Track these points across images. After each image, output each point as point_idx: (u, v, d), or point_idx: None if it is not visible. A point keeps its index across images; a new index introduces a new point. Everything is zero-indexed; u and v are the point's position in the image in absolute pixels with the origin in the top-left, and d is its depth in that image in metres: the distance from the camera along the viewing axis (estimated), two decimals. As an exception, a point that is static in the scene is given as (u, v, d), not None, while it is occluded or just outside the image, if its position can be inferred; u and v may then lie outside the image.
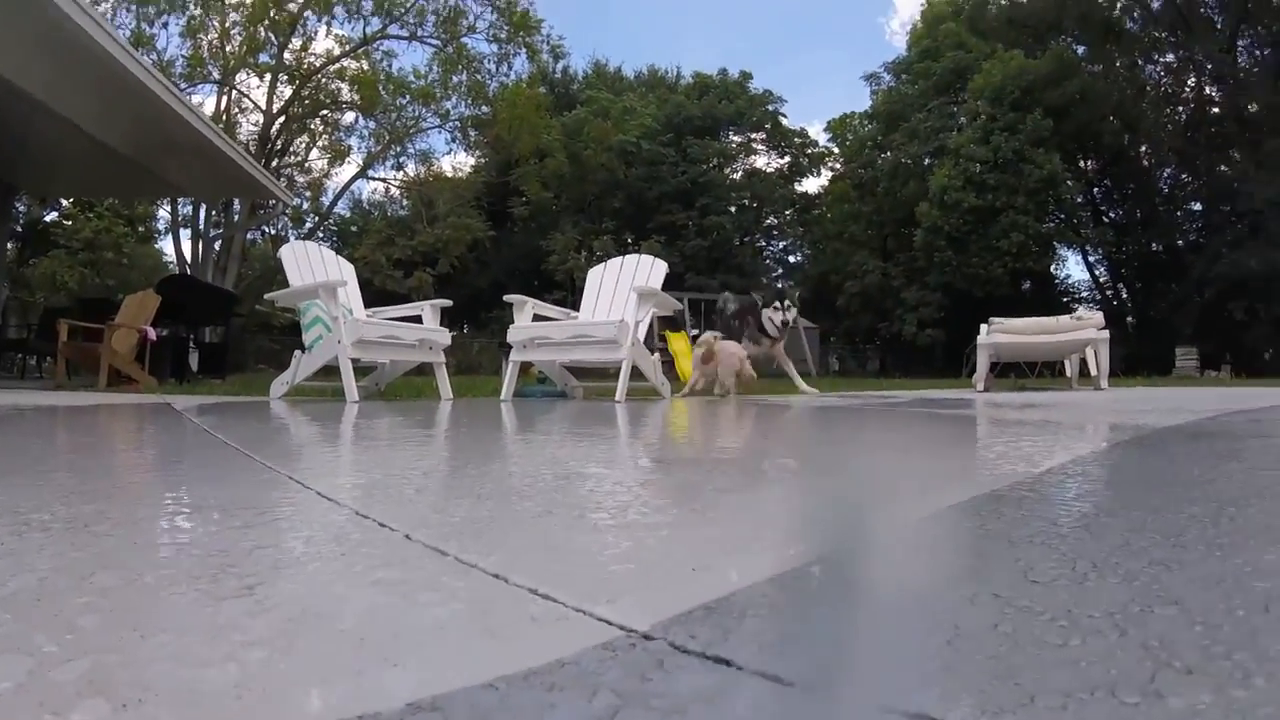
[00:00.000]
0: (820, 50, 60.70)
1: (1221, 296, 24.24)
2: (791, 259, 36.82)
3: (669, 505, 1.60)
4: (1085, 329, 9.42)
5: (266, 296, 7.40)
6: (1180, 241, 28.51)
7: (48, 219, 23.14)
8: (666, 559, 1.07)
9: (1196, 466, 2.20)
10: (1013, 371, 13.01)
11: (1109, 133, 28.85)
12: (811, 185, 36.69)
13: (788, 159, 36.29)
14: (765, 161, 36.48)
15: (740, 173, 35.86)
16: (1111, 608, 0.80)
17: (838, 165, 35.35)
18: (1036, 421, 4.14)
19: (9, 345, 12.61)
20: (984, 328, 9.53)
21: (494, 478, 1.94)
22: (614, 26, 61.56)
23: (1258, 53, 27.55)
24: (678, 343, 13.36)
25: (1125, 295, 31.31)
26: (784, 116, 35.74)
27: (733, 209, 34.20)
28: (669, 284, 7.13)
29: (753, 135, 35.88)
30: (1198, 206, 29.28)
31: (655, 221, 30.44)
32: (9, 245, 16.96)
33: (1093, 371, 9.37)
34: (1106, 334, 9.22)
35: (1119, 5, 29.21)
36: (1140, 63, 30.04)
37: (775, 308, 8.67)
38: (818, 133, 36.99)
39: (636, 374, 6.21)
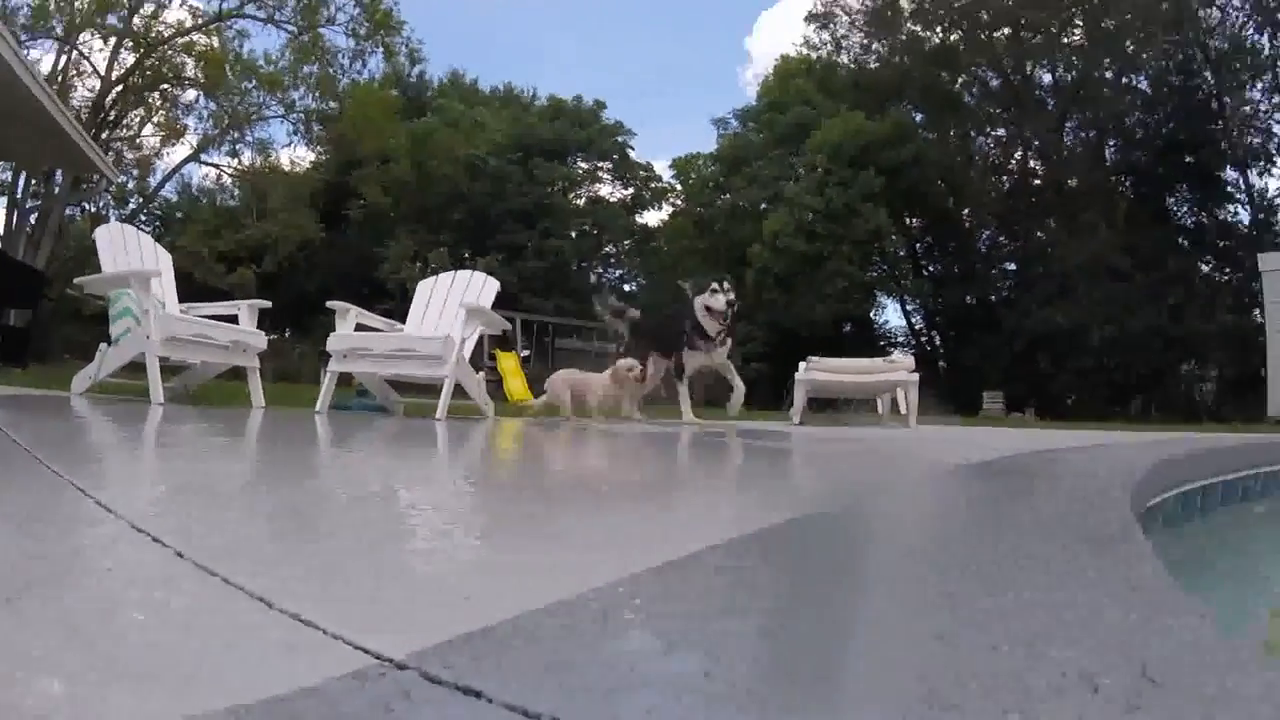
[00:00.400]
0: (675, 90, 61.44)
1: (1030, 347, 26.16)
2: (627, 288, 37.10)
3: (458, 530, 1.59)
4: (897, 370, 9.90)
5: (76, 281, 6.94)
6: (994, 297, 30.52)
7: None
8: (441, 585, 1.07)
9: (987, 503, 2.35)
10: (830, 407, 13.53)
11: (936, 194, 30.66)
12: (652, 218, 37.08)
13: (631, 190, 36.57)
14: (610, 191, 36.62)
15: (584, 199, 35.88)
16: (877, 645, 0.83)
17: (679, 202, 35.95)
18: (847, 454, 4.35)
19: None
20: (802, 365, 9.89)
21: (285, 496, 1.89)
22: (476, 37, 60.45)
23: (1082, 134, 29.99)
24: (507, 361, 13.27)
25: (939, 342, 33.15)
26: (632, 149, 36.03)
27: (573, 234, 34.11)
28: (504, 303, 7.05)
29: (600, 164, 35.94)
30: (1012, 266, 31.45)
31: (495, 239, 29.94)
32: None
33: (903, 410, 9.81)
34: (917, 376, 9.70)
35: (959, 81, 31.20)
36: (973, 134, 32.14)
37: (713, 291, 7.59)
38: (663, 168, 37.32)
39: (461, 392, 6.11)
